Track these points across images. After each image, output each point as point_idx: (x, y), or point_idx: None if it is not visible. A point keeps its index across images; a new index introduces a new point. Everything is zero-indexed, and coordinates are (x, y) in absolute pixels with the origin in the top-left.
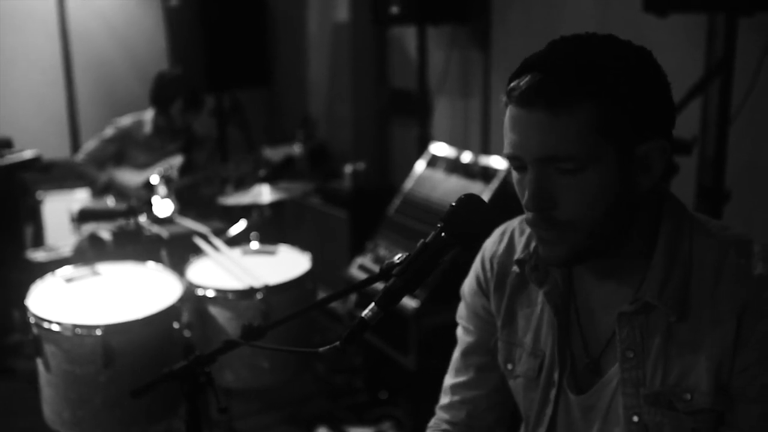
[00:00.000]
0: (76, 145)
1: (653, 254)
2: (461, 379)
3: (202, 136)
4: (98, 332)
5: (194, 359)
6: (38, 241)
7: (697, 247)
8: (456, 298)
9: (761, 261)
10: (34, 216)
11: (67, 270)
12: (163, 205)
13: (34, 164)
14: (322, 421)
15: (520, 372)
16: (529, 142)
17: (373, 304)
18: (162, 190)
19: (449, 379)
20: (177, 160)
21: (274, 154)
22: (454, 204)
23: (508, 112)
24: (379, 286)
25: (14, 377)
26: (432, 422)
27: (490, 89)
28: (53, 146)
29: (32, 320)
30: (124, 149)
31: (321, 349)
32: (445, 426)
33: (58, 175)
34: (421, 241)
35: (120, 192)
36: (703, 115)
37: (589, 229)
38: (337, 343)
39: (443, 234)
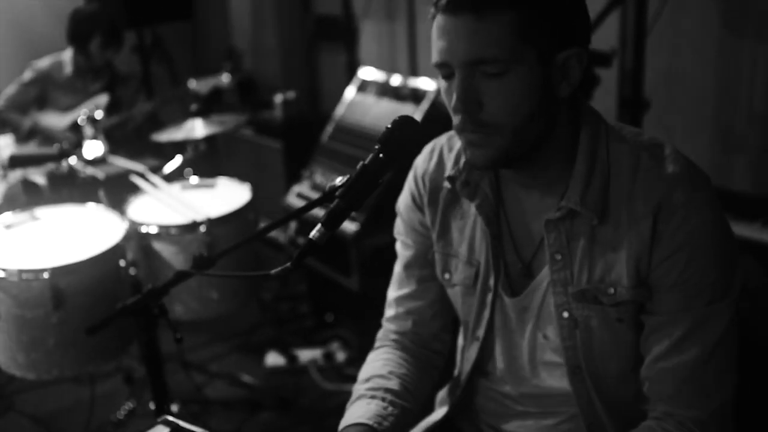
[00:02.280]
0: None
1: (574, 163)
2: (404, 291)
3: (125, 74)
4: (45, 275)
5: (147, 292)
6: None
7: (613, 153)
8: (392, 219)
9: (672, 163)
10: None
11: (5, 216)
12: (92, 146)
13: None
14: (271, 346)
15: (457, 281)
16: (456, 46)
17: (319, 225)
18: (89, 131)
19: (393, 292)
20: (102, 100)
21: (201, 86)
22: (390, 126)
23: (436, 23)
24: (319, 213)
25: None
26: (380, 334)
27: (415, 11)
28: None
29: None
30: (46, 92)
31: (273, 271)
32: (393, 336)
33: None
34: (361, 163)
35: (46, 136)
36: (621, 27)
37: (512, 130)
38: (289, 264)
39: (381, 155)
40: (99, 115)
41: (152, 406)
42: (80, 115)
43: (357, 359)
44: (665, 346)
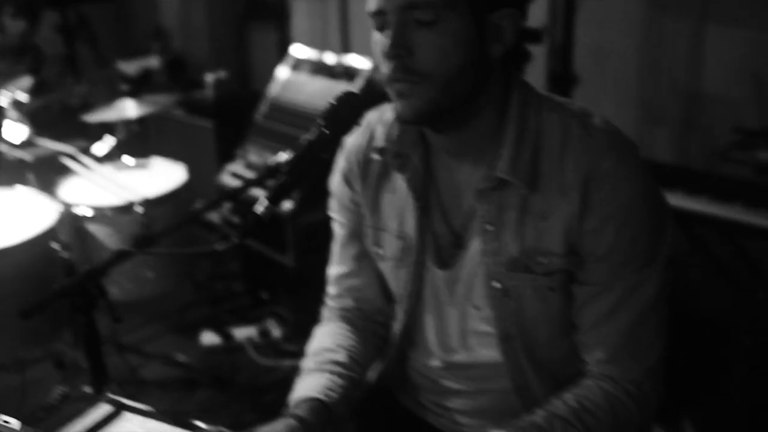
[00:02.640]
0: None
1: (504, 133)
2: (343, 269)
3: (50, 55)
4: None
5: (86, 273)
6: None
7: (543, 122)
8: (326, 195)
9: (600, 132)
10: None
11: None
12: (15, 130)
13: None
14: (206, 325)
15: (388, 254)
16: None
17: (265, 200)
18: (13, 113)
19: (332, 271)
20: (26, 82)
21: (129, 67)
22: (333, 102)
23: None
24: (255, 192)
25: None
26: (325, 313)
27: None
28: None
29: None
30: None
31: (219, 247)
32: (337, 312)
33: None
34: (306, 139)
35: None
36: (551, 5)
37: (441, 81)
38: (235, 239)
39: (326, 131)
40: (23, 97)
41: (88, 389)
42: (2, 97)
43: (293, 335)
44: (598, 314)
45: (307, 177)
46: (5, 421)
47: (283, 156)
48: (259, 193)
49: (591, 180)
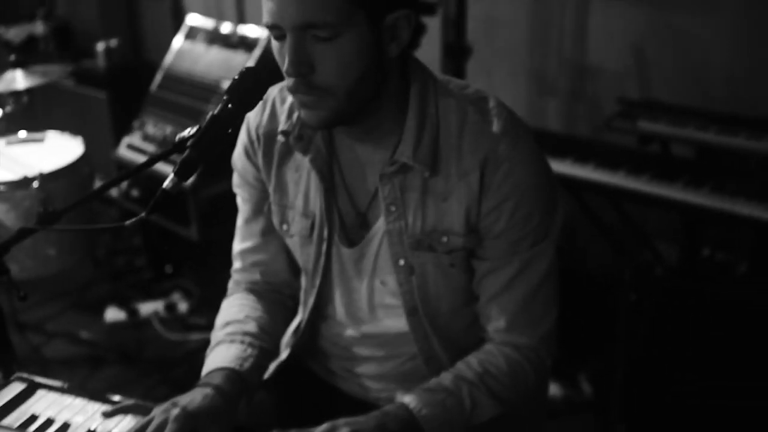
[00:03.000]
0: None
1: (405, 118)
2: (248, 244)
3: None
4: None
5: None
6: None
7: (441, 109)
8: (228, 169)
9: (496, 117)
10: None
11: None
12: None
13: None
14: (110, 301)
15: (295, 231)
16: (287, 10)
17: (172, 175)
18: None
19: (237, 245)
20: None
21: (14, 34)
22: (237, 77)
23: None
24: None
25: None
26: (231, 284)
27: None
28: None
29: None
30: None
31: (127, 222)
32: (244, 285)
33: None
34: (210, 113)
35: None
36: None
37: (344, 92)
38: (143, 214)
39: (230, 105)
40: None
41: None
42: None
43: (199, 308)
44: (497, 287)
45: (212, 152)
46: None
47: (188, 131)
48: (162, 167)
49: (488, 164)
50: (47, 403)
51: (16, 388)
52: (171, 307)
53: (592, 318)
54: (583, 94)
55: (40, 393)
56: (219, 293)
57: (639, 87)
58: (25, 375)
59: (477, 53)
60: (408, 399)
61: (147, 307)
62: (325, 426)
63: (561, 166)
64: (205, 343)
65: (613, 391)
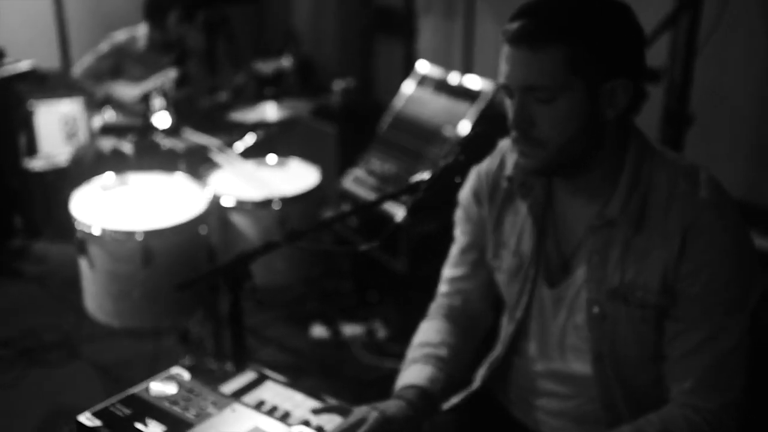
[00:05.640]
0: (66, 55)
1: (619, 179)
2: (458, 272)
3: (193, 49)
4: (138, 237)
5: (239, 256)
6: (31, 149)
7: (655, 174)
8: (439, 211)
9: (705, 188)
10: (26, 125)
11: (103, 179)
12: (162, 118)
13: (30, 76)
14: (317, 318)
15: (504, 268)
16: (515, 74)
17: (405, 212)
18: (159, 103)
19: (448, 272)
20: (172, 74)
21: (265, 67)
22: (471, 132)
23: (503, 49)
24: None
25: (21, 280)
26: (433, 306)
27: (474, 11)
28: (42, 56)
29: (78, 225)
30: (120, 64)
31: (362, 247)
32: (444, 310)
33: (51, 86)
34: (443, 163)
35: (118, 105)
36: (672, 45)
37: (556, 147)
38: (377, 241)
39: (461, 158)
40: (170, 88)
41: (230, 365)
42: (151, 87)
43: (396, 337)
44: (685, 349)
45: (441, 196)
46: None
47: (421, 175)
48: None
49: (691, 231)
50: (273, 393)
51: (249, 376)
52: (371, 333)
53: None
54: None
55: (268, 384)
56: (417, 325)
57: None
58: (257, 366)
59: (699, 122)
60: None
61: (349, 329)
62: None
63: None
64: (397, 372)
65: None
